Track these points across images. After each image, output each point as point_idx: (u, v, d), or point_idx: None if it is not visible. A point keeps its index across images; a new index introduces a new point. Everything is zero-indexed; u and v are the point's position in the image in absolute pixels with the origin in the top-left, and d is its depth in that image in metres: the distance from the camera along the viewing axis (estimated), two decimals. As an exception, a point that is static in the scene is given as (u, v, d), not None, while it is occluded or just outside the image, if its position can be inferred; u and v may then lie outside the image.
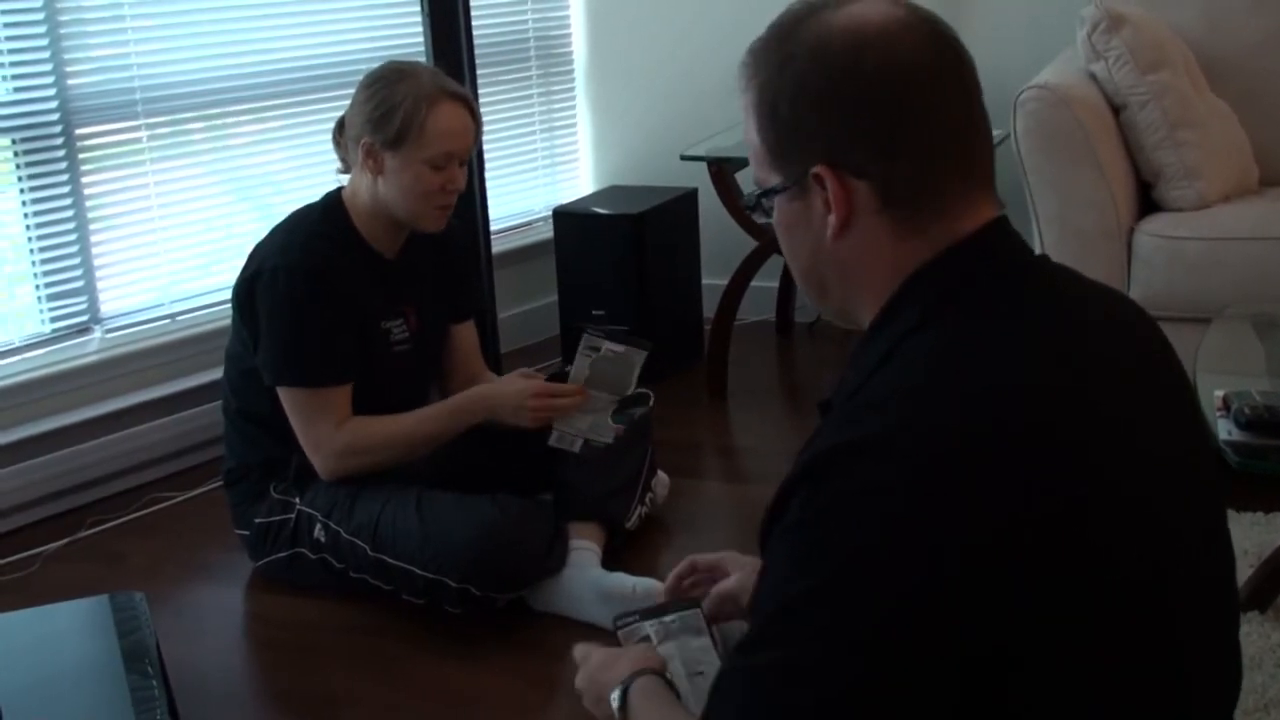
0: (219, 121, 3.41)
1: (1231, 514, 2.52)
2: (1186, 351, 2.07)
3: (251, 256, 2.59)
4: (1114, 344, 1.13)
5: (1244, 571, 2.32)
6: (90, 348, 3.19)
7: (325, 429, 2.53)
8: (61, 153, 3.08)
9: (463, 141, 2.53)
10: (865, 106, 1.08)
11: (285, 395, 2.54)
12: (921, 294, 1.08)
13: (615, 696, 1.30)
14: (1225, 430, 1.99)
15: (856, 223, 1.10)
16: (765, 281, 3.81)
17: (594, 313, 3.68)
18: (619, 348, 2.53)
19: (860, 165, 1.09)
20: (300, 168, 3.55)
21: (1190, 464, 1.13)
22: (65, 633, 1.96)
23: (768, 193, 1.15)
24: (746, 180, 3.54)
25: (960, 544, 0.95)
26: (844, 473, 0.99)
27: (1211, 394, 2.07)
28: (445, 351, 2.80)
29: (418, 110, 2.46)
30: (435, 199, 2.52)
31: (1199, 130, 2.93)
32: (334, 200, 2.60)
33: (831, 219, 1.10)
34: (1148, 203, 2.98)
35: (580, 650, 1.44)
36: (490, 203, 3.40)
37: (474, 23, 3.28)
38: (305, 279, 2.50)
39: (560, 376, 2.63)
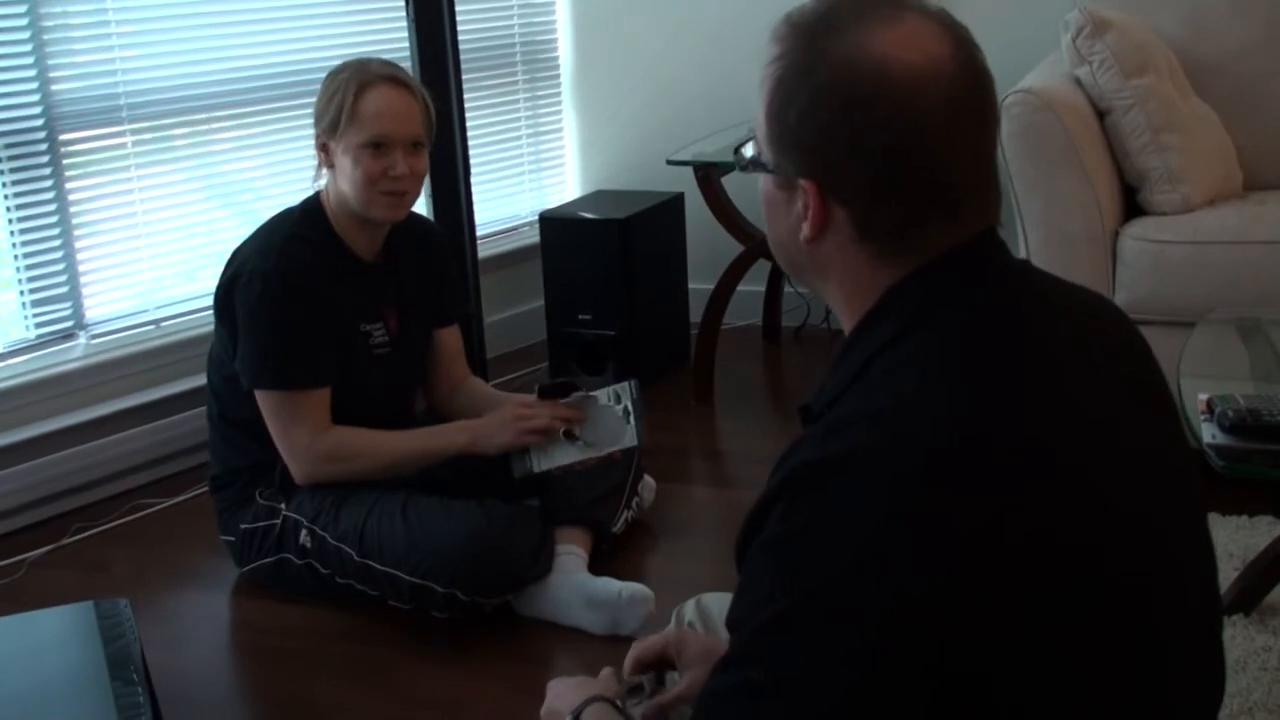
0: (203, 127, 3.40)
1: (1216, 517, 2.57)
2: (1171, 355, 2.08)
3: (231, 259, 2.58)
4: (1095, 348, 1.12)
5: (1229, 575, 2.32)
6: (75, 353, 3.18)
7: (302, 433, 2.52)
8: (46, 158, 3.07)
9: (400, 125, 2.50)
10: (868, 148, 1.06)
11: (262, 398, 2.53)
12: (900, 306, 1.08)
13: None
14: (1209, 434, 1.99)
15: (831, 238, 1.10)
16: (752, 286, 3.81)
17: (580, 317, 3.67)
18: (630, 419, 2.53)
19: (846, 196, 1.08)
20: (284, 173, 3.54)
21: (1172, 467, 1.13)
22: (49, 640, 1.94)
23: (759, 165, 1.14)
24: (733, 184, 3.56)
25: (944, 555, 0.94)
26: (823, 488, 0.98)
27: (1195, 397, 2.07)
28: (429, 356, 2.80)
29: (348, 94, 2.46)
30: (381, 185, 2.50)
31: (1183, 134, 2.94)
32: (313, 203, 2.60)
33: (806, 226, 1.10)
34: (1132, 206, 2.98)
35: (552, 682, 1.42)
36: (476, 207, 3.39)
37: (460, 28, 3.27)
38: (283, 281, 2.49)
39: (551, 389, 2.61)
